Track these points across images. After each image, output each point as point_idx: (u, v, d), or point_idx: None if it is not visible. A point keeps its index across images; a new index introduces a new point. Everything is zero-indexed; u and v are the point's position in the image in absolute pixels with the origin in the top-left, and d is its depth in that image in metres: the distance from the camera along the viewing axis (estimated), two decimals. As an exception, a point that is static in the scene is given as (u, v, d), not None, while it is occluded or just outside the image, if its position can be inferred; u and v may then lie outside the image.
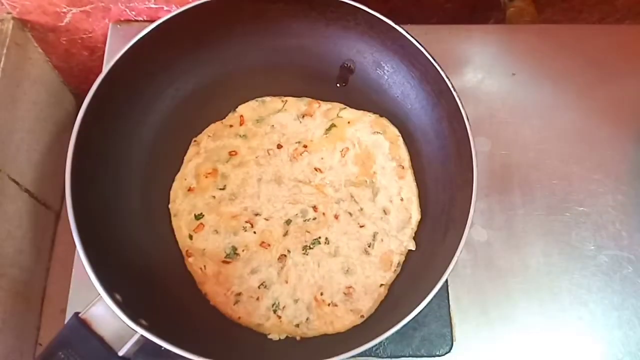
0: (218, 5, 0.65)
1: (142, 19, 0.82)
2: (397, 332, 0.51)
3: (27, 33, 0.83)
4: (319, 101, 0.72)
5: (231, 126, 0.71)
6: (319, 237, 0.66)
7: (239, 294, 0.63)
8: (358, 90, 0.73)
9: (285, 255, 0.65)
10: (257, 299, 0.63)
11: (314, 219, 0.67)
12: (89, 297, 0.52)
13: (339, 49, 0.72)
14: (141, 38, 0.61)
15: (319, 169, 0.69)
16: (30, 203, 0.85)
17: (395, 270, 0.65)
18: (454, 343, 0.65)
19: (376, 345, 0.53)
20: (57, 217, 0.94)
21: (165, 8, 0.80)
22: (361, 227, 0.67)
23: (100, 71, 0.59)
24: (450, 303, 0.66)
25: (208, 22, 0.67)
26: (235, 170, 0.69)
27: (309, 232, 0.66)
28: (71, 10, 0.79)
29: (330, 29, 0.70)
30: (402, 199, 0.68)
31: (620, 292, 0.69)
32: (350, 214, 0.67)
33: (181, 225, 0.66)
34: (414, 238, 0.66)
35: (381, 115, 0.72)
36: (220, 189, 0.68)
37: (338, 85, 0.73)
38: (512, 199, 0.73)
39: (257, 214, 0.67)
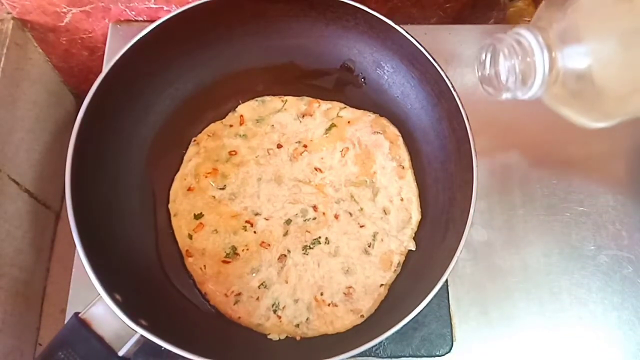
0: (218, 5, 0.64)
1: (142, 19, 0.82)
2: (397, 332, 0.51)
3: (27, 33, 0.83)
4: (319, 101, 0.73)
5: (231, 126, 0.71)
6: (319, 237, 0.66)
7: (239, 294, 0.63)
8: (358, 90, 0.73)
9: (285, 255, 0.65)
10: (257, 299, 0.63)
11: (314, 218, 0.67)
12: (89, 297, 0.52)
13: (339, 49, 0.72)
14: (141, 38, 0.61)
15: (319, 169, 0.69)
16: (30, 203, 0.85)
17: (395, 270, 0.65)
18: (454, 343, 0.65)
19: (376, 345, 0.53)
20: (57, 217, 0.94)
21: (165, 8, 0.80)
22: (361, 227, 0.67)
23: (100, 71, 0.59)
24: (450, 303, 0.66)
25: (208, 22, 0.66)
26: (235, 170, 0.69)
27: (309, 232, 0.66)
28: (71, 10, 0.79)
29: (330, 28, 0.70)
30: (402, 199, 0.68)
31: (620, 292, 0.69)
32: (350, 214, 0.67)
33: (181, 225, 0.66)
34: (414, 238, 0.66)
35: (381, 115, 0.72)
36: (220, 188, 0.68)
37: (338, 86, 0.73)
38: (512, 199, 0.73)
39: (257, 214, 0.67)
